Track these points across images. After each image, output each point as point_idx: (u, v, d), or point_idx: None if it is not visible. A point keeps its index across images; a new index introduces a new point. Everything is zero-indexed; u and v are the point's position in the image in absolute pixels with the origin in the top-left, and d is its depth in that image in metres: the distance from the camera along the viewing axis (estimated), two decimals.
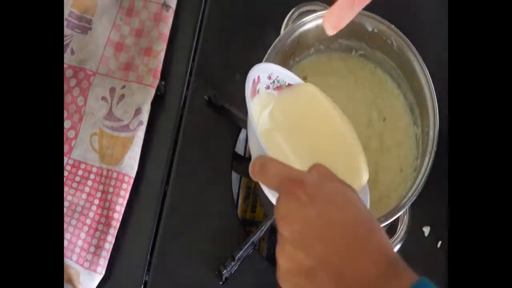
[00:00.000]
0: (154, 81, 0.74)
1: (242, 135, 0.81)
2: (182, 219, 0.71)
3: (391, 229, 0.65)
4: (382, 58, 0.71)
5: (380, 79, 0.73)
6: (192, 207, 0.71)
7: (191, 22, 0.79)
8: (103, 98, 0.74)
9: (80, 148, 0.72)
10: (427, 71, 0.66)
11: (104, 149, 0.72)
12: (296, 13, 0.71)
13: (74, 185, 0.71)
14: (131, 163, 0.70)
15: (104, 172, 0.71)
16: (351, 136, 0.61)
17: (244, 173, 0.82)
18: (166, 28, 0.76)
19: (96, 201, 0.70)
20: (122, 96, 0.74)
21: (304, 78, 0.71)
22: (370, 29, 0.69)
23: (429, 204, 0.68)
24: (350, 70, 0.73)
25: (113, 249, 0.68)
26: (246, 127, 0.75)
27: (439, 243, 0.70)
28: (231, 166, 0.73)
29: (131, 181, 0.70)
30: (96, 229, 0.69)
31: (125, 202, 0.69)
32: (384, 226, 0.63)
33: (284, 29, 0.70)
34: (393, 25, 0.68)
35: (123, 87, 0.75)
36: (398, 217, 0.63)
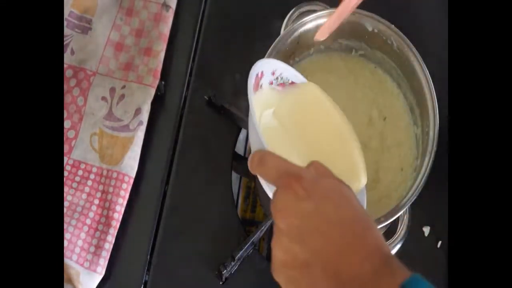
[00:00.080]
0: (154, 81, 0.74)
1: (242, 135, 0.81)
2: (182, 219, 0.71)
3: (391, 229, 0.65)
4: (382, 58, 0.71)
5: (380, 79, 0.73)
6: (192, 207, 0.71)
7: (191, 22, 0.79)
8: (103, 98, 0.74)
9: (80, 148, 0.72)
10: (427, 71, 0.66)
11: (104, 149, 0.72)
12: (296, 13, 0.71)
13: (74, 185, 0.71)
14: (131, 163, 0.70)
15: (104, 172, 0.71)
16: (352, 139, 0.61)
17: (244, 173, 0.82)
18: (166, 28, 0.76)
19: (96, 201, 0.70)
20: (122, 96, 0.74)
21: None
22: (370, 29, 0.69)
23: (429, 204, 0.69)
24: (350, 70, 0.73)
25: (113, 249, 0.68)
26: (246, 127, 0.75)
27: (439, 243, 0.70)
28: (231, 166, 0.73)
29: (131, 181, 0.70)
30: (96, 229, 0.69)
31: (125, 202, 0.69)
32: (384, 226, 0.63)
33: (284, 29, 0.70)
34: (393, 25, 0.68)
35: (123, 87, 0.75)
36: (398, 217, 0.63)
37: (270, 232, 0.75)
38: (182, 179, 0.72)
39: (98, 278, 0.67)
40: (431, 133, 0.64)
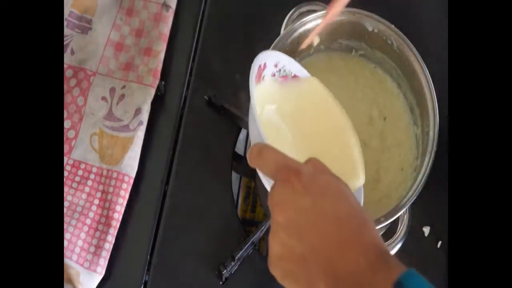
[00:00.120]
0: (154, 81, 0.74)
1: (242, 135, 0.81)
2: (182, 219, 0.71)
3: (391, 229, 0.65)
4: (382, 58, 0.71)
5: (380, 79, 0.73)
6: (192, 207, 0.71)
7: (191, 22, 0.79)
8: (103, 98, 0.74)
9: (80, 148, 0.72)
10: (427, 71, 0.66)
11: (104, 149, 0.72)
12: (296, 13, 0.71)
13: (74, 185, 0.71)
14: (131, 163, 0.70)
15: (104, 172, 0.71)
16: (352, 137, 0.61)
17: (244, 173, 0.82)
18: (166, 28, 0.76)
19: (96, 201, 0.70)
20: (122, 96, 0.74)
21: None
22: (370, 29, 0.69)
23: (429, 204, 0.69)
24: (350, 69, 0.73)
25: (113, 249, 0.68)
26: (246, 127, 0.75)
27: (439, 243, 0.70)
28: (231, 166, 0.73)
29: (131, 181, 0.70)
30: (96, 229, 0.69)
31: (125, 202, 0.69)
32: (384, 226, 0.63)
33: (284, 29, 0.70)
34: (393, 25, 0.68)
35: (123, 87, 0.75)
36: (398, 217, 0.63)
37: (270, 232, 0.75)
38: (182, 179, 0.72)
39: (98, 278, 0.67)
40: (431, 133, 0.64)
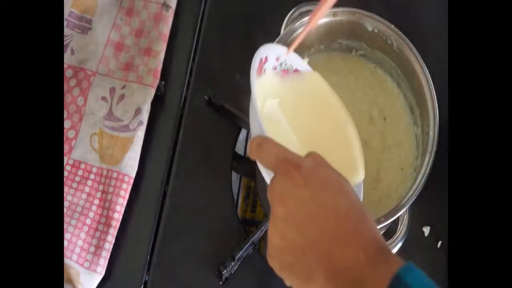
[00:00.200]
0: (154, 81, 0.74)
1: (242, 135, 0.81)
2: (182, 219, 0.71)
3: (391, 229, 0.65)
4: (382, 58, 0.71)
5: (380, 79, 0.73)
6: (192, 207, 0.71)
7: (191, 22, 0.79)
8: (103, 98, 0.74)
9: (80, 148, 0.72)
10: (427, 71, 0.66)
11: (104, 149, 0.72)
12: (296, 13, 0.71)
13: (74, 185, 0.71)
14: (131, 163, 0.70)
15: (104, 172, 0.71)
16: (353, 133, 0.61)
17: (244, 173, 0.82)
18: (166, 28, 0.76)
19: (96, 201, 0.70)
20: (122, 96, 0.74)
21: None
22: (370, 29, 0.69)
23: (429, 204, 0.69)
24: (350, 69, 0.73)
25: (113, 249, 0.68)
26: (246, 127, 0.75)
27: (439, 243, 0.70)
28: (231, 166, 0.73)
29: (131, 181, 0.70)
30: (96, 229, 0.69)
31: (125, 202, 0.69)
32: (384, 226, 0.63)
33: (284, 29, 0.70)
34: (393, 25, 0.68)
35: (123, 87, 0.75)
36: (398, 217, 0.63)
37: None
38: (182, 179, 0.72)
39: (98, 278, 0.67)
40: (431, 133, 0.64)
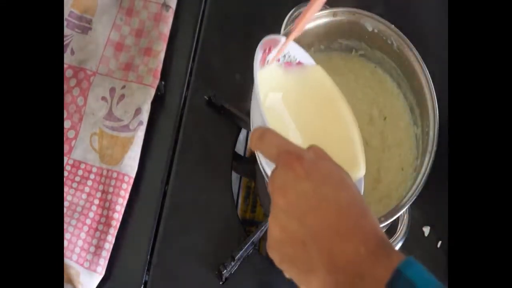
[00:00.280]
0: (154, 81, 0.74)
1: (242, 135, 0.81)
2: (182, 219, 0.71)
3: (391, 229, 0.65)
4: (382, 58, 0.71)
5: (380, 79, 0.73)
6: (192, 207, 0.71)
7: (191, 22, 0.79)
8: (103, 98, 0.74)
9: (80, 148, 0.72)
10: (427, 71, 0.66)
11: (104, 149, 0.72)
12: (296, 13, 0.71)
13: (74, 185, 0.71)
14: (131, 163, 0.70)
15: (104, 172, 0.71)
16: (354, 128, 0.61)
17: (244, 173, 0.82)
18: (166, 28, 0.76)
19: (96, 201, 0.70)
20: (122, 96, 0.74)
21: None
22: (370, 29, 0.69)
23: (429, 204, 0.69)
24: (350, 69, 0.73)
25: (113, 249, 0.68)
26: (246, 127, 0.75)
27: (439, 243, 0.70)
28: (231, 166, 0.73)
29: (131, 181, 0.70)
30: (96, 229, 0.69)
31: (125, 202, 0.69)
32: (384, 226, 0.63)
33: (284, 29, 0.70)
34: (393, 25, 0.68)
35: (123, 87, 0.75)
36: (398, 217, 0.63)
37: None
38: (182, 179, 0.72)
39: (98, 278, 0.67)
40: (431, 133, 0.64)
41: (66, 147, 0.72)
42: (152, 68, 0.74)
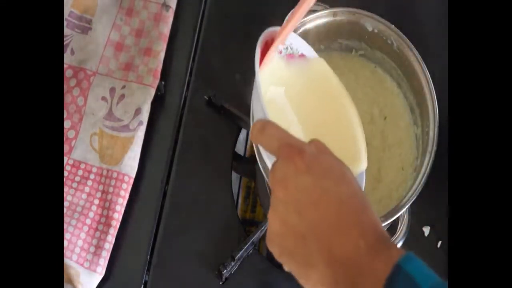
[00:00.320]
0: (154, 81, 0.74)
1: (242, 135, 0.81)
2: (182, 219, 0.71)
3: (391, 229, 0.65)
4: (382, 58, 0.71)
5: (380, 79, 0.73)
6: (192, 207, 0.71)
7: (191, 22, 0.79)
8: (103, 98, 0.74)
9: (80, 148, 0.72)
10: (427, 71, 0.66)
11: (104, 149, 0.72)
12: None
13: (74, 185, 0.71)
14: (131, 163, 0.70)
15: (104, 172, 0.71)
16: (356, 122, 0.60)
17: (244, 173, 0.82)
18: (166, 28, 0.76)
19: (96, 201, 0.70)
20: (122, 96, 0.74)
21: None
22: (370, 29, 0.69)
23: (429, 204, 0.69)
24: (350, 69, 0.73)
25: (113, 249, 0.68)
26: (246, 127, 0.75)
27: (439, 243, 0.70)
28: (231, 166, 0.73)
29: (131, 181, 0.70)
30: (96, 229, 0.69)
31: (125, 202, 0.69)
32: (384, 226, 0.63)
33: None
34: (393, 25, 0.68)
35: (123, 87, 0.75)
36: (398, 217, 0.63)
37: None
38: (182, 179, 0.72)
39: (98, 278, 0.67)
40: (431, 133, 0.64)
41: (66, 147, 0.72)
42: (152, 68, 0.74)
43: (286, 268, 0.46)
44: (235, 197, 0.74)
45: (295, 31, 0.67)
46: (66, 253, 0.67)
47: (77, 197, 0.70)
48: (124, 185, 0.69)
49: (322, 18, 0.69)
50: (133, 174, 0.70)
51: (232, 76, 0.76)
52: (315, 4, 0.70)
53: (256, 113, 0.53)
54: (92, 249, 0.68)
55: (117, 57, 0.76)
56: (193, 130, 0.74)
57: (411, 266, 0.40)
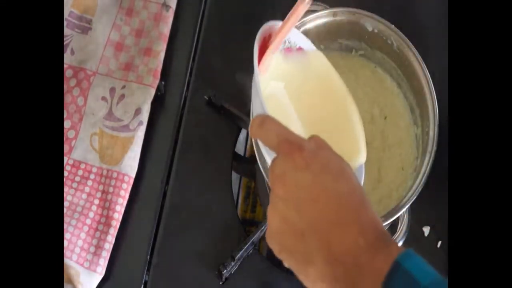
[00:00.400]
0: (154, 81, 0.74)
1: (242, 135, 0.81)
2: (182, 219, 0.71)
3: (391, 229, 0.65)
4: (382, 58, 0.71)
5: (380, 79, 0.73)
6: (192, 207, 0.71)
7: (191, 22, 0.79)
8: (103, 98, 0.74)
9: (80, 148, 0.72)
10: (427, 71, 0.66)
11: (104, 149, 0.72)
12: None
13: (74, 185, 0.71)
14: (131, 163, 0.70)
15: (104, 172, 0.71)
16: (355, 114, 0.60)
17: (244, 173, 0.82)
18: (166, 28, 0.76)
19: (96, 201, 0.70)
20: (122, 96, 0.74)
21: None
22: (370, 29, 0.69)
23: (429, 204, 0.69)
24: (350, 69, 0.73)
25: (113, 249, 0.68)
26: (246, 127, 0.75)
27: (439, 243, 0.70)
28: (231, 166, 0.73)
29: (131, 181, 0.70)
30: (96, 229, 0.69)
31: (125, 202, 0.69)
32: (384, 226, 0.63)
33: None
34: (393, 25, 0.68)
35: (123, 87, 0.75)
36: (398, 217, 0.63)
37: None
38: (182, 179, 0.72)
39: (98, 278, 0.67)
40: (431, 133, 0.64)
41: (66, 147, 0.72)
42: (152, 68, 0.74)
43: (286, 264, 0.46)
44: (235, 197, 0.74)
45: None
46: (66, 253, 0.67)
47: (77, 197, 0.70)
48: (124, 185, 0.69)
49: (322, 18, 0.69)
50: (133, 174, 0.70)
51: (232, 76, 0.76)
52: (315, 4, 0.71)
53: (255, 109, 0.53)
54: (92, 249, 0.68)
55: (117, 57, 0.76)
56: (193, 130, 0.74)
57: (410, 263, 0.40)
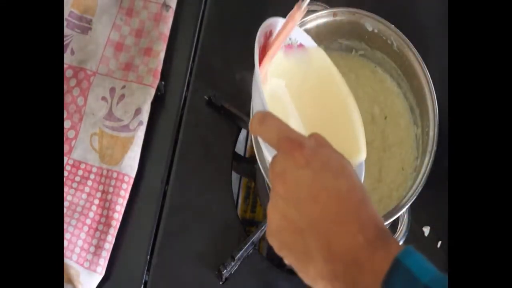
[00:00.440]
0: (154, 81, 0.74)
1: (242, 135, 0.81)
2: (182, 219, 0.71)
3: (391, 229, 0.65)
4: (382, 58, 0.71)
5: (380, 79, 0.73)
6: (192, 207, 0.71)
7: (191, 22, 0.79)
8: (103, 98, 0.74)
9: (80, 148, 0.72)
10: (427, 71, 0.66)
11: (104, 149, 0.72)
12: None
13: (74, 185, 0.71)
14: (131, 163, 0.70)
15: (104, 172, 0.71)
16: (355, 112, 0.60)
17: (244, 173, 0.82)
18: (166, 28, 0.76)
19: (96, 201, 0.70)
20: (122, 96, 0.74)
21: None
22: (370, 29, 0.69)
23: (429, 204, 0.69)
24: (350, 69, 0.73)
25: (113, 249, 0.68)
26: (246, 127, 0.75)
27: (439, 243, 0.70)
28: (231, 166, 0.73)
29: (131, 181, 0.70)
30: (96, 229, 0.69)
31: (125, 202, 0.69)
32: None
33: None
34: (393, 25, 0.68)
35: (123, 87, 0.75)
36: (398, 217, 0.63)
37: None
38: (182, 179, 0.72)
39: (98, 278, 0.67)
40: (431, 133, 0.64)
41: (66, 147, 0.72)
42: (152, 68, 0.74)
43: (287, 261, 0.46)
44: (235, 197, 0.74)
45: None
46: (66, 253, 0.67)
47: (77, 197, 0.70)
48: (124, 185, 0.69)
49: (322, 18, 0.69)
50: (133, 174, 0.70)
51: (232, 76, 0.76)
52: (315, 4, 0.71)
53: (256, 106, 0.53)
54: (92, 249, 0.68)
55: (117, 57, 0.76)
56: (193, 130, 0.74)
57: (410, 260, 0.40)
